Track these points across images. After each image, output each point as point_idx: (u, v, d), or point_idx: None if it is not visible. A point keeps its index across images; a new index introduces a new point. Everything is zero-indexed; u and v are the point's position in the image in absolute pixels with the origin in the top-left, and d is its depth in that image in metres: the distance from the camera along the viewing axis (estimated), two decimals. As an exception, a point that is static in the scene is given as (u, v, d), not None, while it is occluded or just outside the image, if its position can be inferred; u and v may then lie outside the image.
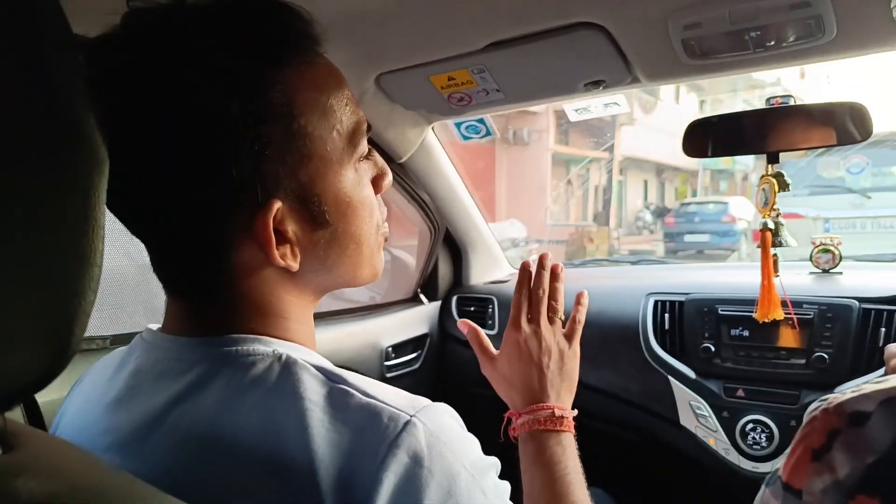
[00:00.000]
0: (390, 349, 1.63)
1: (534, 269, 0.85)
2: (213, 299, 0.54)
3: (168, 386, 0.52)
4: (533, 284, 0.84)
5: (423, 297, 1.85)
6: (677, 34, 0.92)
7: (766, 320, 1.20)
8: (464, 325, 0.89)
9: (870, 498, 0.34)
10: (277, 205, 0.50)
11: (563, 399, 0.79)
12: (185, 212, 0.49)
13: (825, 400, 0.40)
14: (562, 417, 0.76)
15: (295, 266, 0.53)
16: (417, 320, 1.78)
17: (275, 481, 0.45)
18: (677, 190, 18.45)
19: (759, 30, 0.90)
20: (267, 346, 0.52)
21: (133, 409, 0.53)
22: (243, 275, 0.53)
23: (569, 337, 0.83)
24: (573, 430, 0.77)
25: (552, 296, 0.84)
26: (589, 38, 0.97)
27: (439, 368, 1.82)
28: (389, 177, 0.63)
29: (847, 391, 0.39)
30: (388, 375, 1.61)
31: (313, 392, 0.48)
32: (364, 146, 0.58)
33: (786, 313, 1.21)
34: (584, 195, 15.11)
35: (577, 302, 0.87)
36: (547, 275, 0.84)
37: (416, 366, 1.72)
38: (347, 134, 0.55)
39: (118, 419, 0.54)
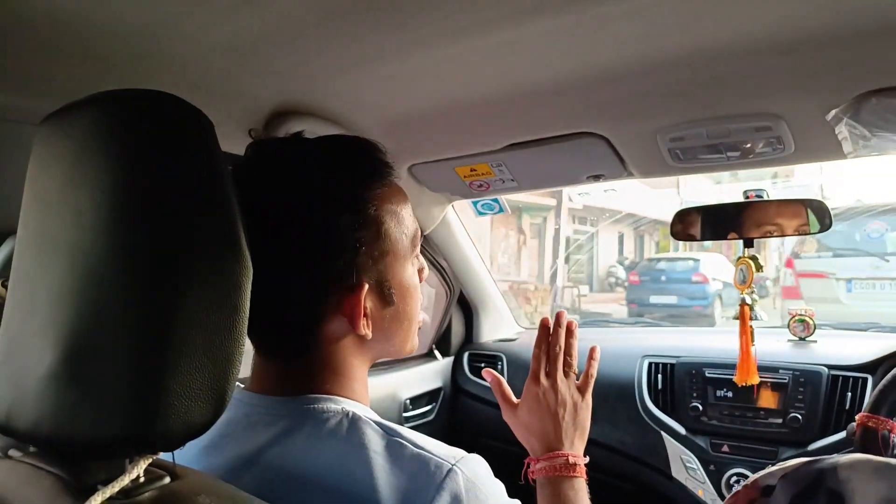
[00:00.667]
0: (408, 401, 1.77)
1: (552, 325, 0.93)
2: (300, 361, 0.68)
3: (260, 433, 0.64)
4: (551, 341, 0.92)
5: (437, 352, 1.99)
6: (664, 144, 1.11)
7: (745, 384, 1.34)
8: (488, 374, 0.98)
9: None
10: (366, 287, 0.66)
11: (576, 447, 0.87)
12: (298, 291, 0.64)
13: (747, 478, 0.57)
14: (575, 465, 0.84)
15: (370, 335, 0.67)
16: (432, 374, 1.91)
17: None
18: (658, 244, 16.88)
19: (731, 144, 1.08)
20: (337, 405, 0.65)
21: (227, 452, 0.65)
22: (329, 341, 0.67)
23: (582, 390, 0.91)
24: (585, 476, 0.85)
25: (567, 351, 0.91)
26: (592, 144, 1.15)
27: (452, 420, 1.95)
28: (427, 271, 0.79)
29: (760, 472, 0.56)
30: (407, 426, 1.74)
31: (375, 444, 0.60)
32: (418, 248, 0.75)
33: (762, 378, 1.36)
34: (541, 247, 14.09)
35: (591, 357, 0.95)
36: (563, 332, 0.92)
37: (431, 417, 1.86)
38: (412, 237, 0.72)
39: (213, 461, 0.65)
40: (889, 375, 1.11)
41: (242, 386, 0.72)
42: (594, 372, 0.94)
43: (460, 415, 1.95)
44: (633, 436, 1.61)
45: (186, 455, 0.67)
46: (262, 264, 0.56)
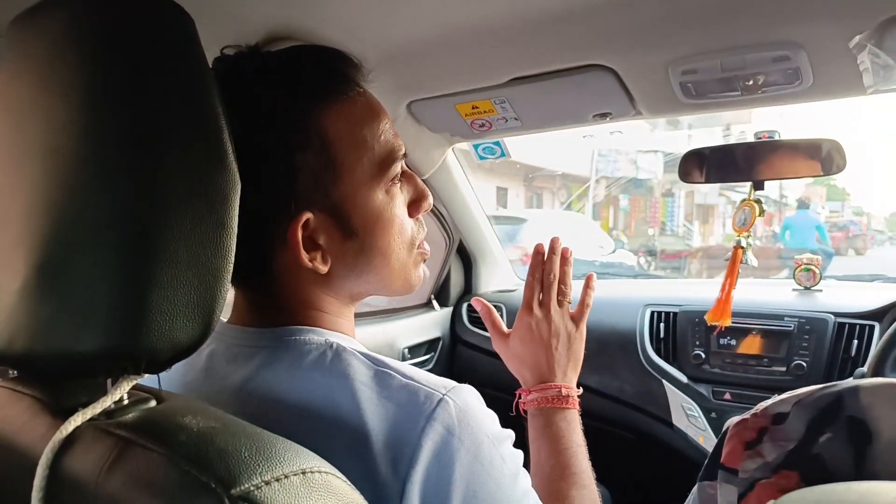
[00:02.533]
0: (406, 350, 1.76)
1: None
2: (264, 291, 0.65)
3: (241, 366, 0.62)
4: (545, 268, 0.89)
5: (435, 303, 1.97)
6: (676, 78, 1.06)
7: (716, 324, 1.30)
8: (477, 302, 0.95)
9: (790, 471, 0.46)
10: (306, 216, 0.60)
11: (569, 378, 0.86)
12: (244, 219, 0.55)
13: (756, 406, 0.54)
14: (567, 396, 0.83)
15: (323, 269, 0.62)
16: (431, 324, 1.90)
17: (338, 441, 0.55)
18: (570, 204, 14.87)
19: (746, 77, 1.03)
20: (320, 336, 0.62)
21: (211, 384, 0.64)
22: (284, 273, 0.64)
23: (577, 319, 0.89)
24: (578, 407, 0.84)
25: (562, 279, 0.89)
26: (599, 78, 1.10)
27: (450, 370, 1.94)
28: (428, 200, 0.72)
29: (769, 400, 0.53)
30: (405, 374, 1.74)
31: (362, 374, 0.58)
32: (394, 170, 0.66)
33: (745, 324, 1.35)
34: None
35: (587, 285, 0.92)
36: (558, 259, 0.89)
37: (430, 367, 1.85)
38: (378, 161, 0.64)
39: (199, 395, 0.63)
40: (893, 328, 1.08)
41: (224, 319, 0.69)
42: (590, 301, 0.91)
43: (459, 364, 1.95)
44: (634, 384, 1.60)
45: (171, 390, 0.65)
46: None
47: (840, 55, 0.94)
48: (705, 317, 1.34)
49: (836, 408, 0.46)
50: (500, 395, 0.88)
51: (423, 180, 1.59)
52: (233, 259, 0.49)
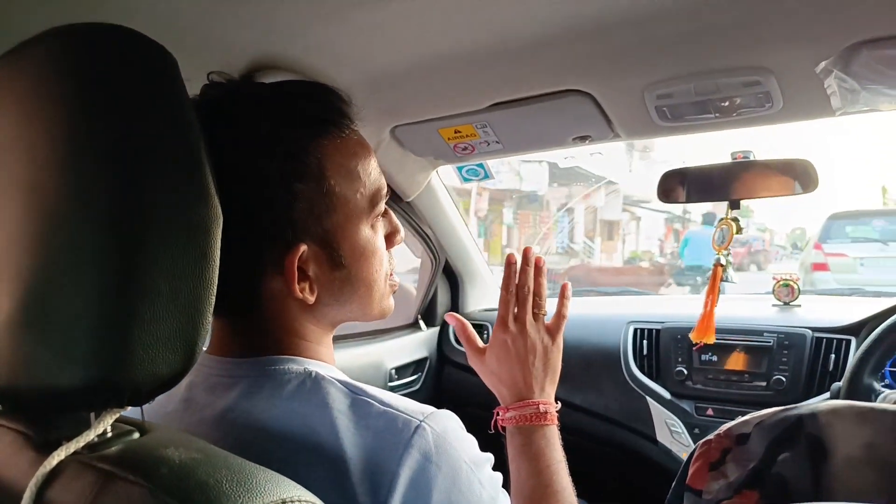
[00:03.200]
0: (393, 371, 1.75)
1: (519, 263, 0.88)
2: (249, 320, 0.65)
3: (221, 397, 0.62)
4: (518, 281, 0.86)
5: (422, 323, 1.98)
6: (652, 102, 1.09)
7: (700, 341, 1.32)
8: (451, 317, 0.93)
9: (751, 491, 0.48)
10: (303, 248, 0.61)
11: (546, 392, 0.84)
12: (235, 244, 0.55)
13: (717, 429, 0.55)
14: (546, 413, 0.81)
15: (311, 300, 0.63)
16: (417, 344, 1.90)
17: (318, 471, 0.55)
18: None
19: (719, 101, 1.06)
20: (299, 366, 0.63)
21: (192, 415, 0.63)
22: (271, 301, 0.64)
23: (553, 331, 0.87)
24: (556, 422, 0.82)
25: (536, 291, 0.86)
26: (578, 103, 1.12)
27: (438, 390, 1.94)
28: (401, 234, 0.74)
29: (733, 421, 0.54)
30: (391, 395, 1.74)
31: (339, 403, 0.58)
32: (381, 207, 0.69)
33: (730, 340, 1.36)
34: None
35: (563, 295, 0.90)
36: (531, 270, 0.87)
37: (417, 387, 1.85)
38: (369, 196, 0.67)
39: (179, 426, 0.62)
40: (868, 341, 1.10)
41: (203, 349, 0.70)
42: (566, 312, 0.89)
43: (446, 384, 1.95)
44: (618, 401, 1.61)
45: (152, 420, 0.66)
46: None
47: (808, 79, 0.97)
48: (690, 335, 1.35)
49: (795, 428, 0.47)
50: (488, 415, 0.89)
51: (408, 202, 1.63)
52: (215, 291, 0.50)
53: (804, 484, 0.44)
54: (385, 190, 0.69)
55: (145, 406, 0.67)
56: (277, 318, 0.65)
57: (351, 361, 1.64)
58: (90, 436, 0.46)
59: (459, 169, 1.57)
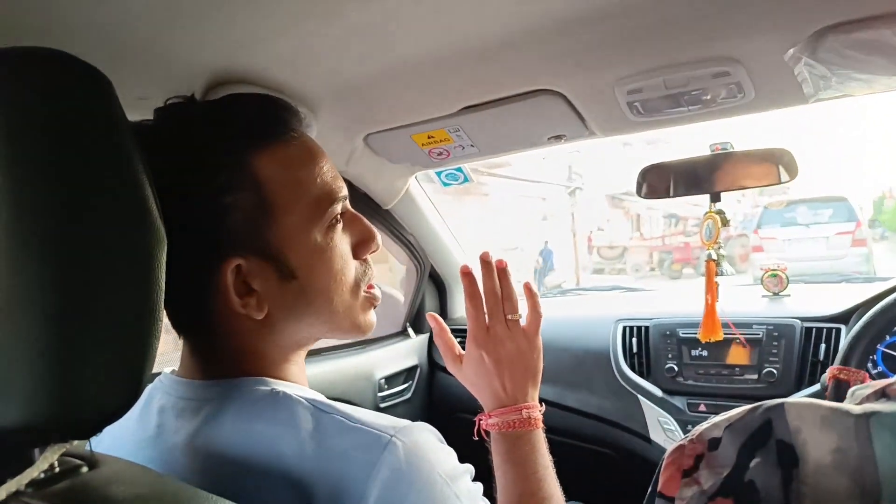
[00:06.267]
0: (383, 381, 1.74)
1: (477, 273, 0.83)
2: (209, 341, 0.64)
3: (188, 421, 0.62)
4: (484, 288, 0.82)
5: (411, 330, 1.96)
6: (623, 98, 1.07)
7: (709, 340, 1.31)
8: (431, 318, 0.89)
9: (725, 499, 0.46)
10: (236, 262, 0.60)
11: (529, 396, 0.81)
12: (176, 263, 0.53)
13: (690, 433, 0.53)
14: (529, 418, 0.78)
15: (258, 315, 0.61)
16: (407, 353, 1.89)
17: (282, 494, 0.54)
18: None
19: (691, 93, 1.05)
20: (266, 387, 0.62)
21: (164, 441, 0.63)
22: (222, 320, 0.62)
23: (530, 332, 0.83)
24: (542, 426, 0.80)
25: (506, 296, 0.82)
26: (549, 102, 1.11)
27: (429, 397, 1.93)
28: (375, 241, 0.71)
29: (704, 423, 0.53)
30: (382, 406, 1.72)
31: (306, 422, 0.57)
32: (333, 212, 0.65)
33: (727, 334, 1.34)
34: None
35: (529, 294, 0.85)
36: (494, 273, 0.82)
37: (408, 395, 1.83)
38: (314, 202, 0.64)
39: (151, 453, 0.63)
40: (857, 327, 1.09)
41: (171, 372, 0.68)
42: (540, 309, 0.84)
43: (437, 391, 1.94)
44: (610, 401, 1.60)
45: (126, 449, 0.65)
46: None
47: (777, 68, 0.95)
48: (698, 335, 1.33)
49: (765, 431, 0.46)
50: None
51: (387, 210, 1.62)
52: (161, 317, 0.48)
53: (775, 489, 0.42)
54: (339, 193, 0.67)
55: (117, 434, 0.67)
56: (233, 338, 0.64)
57: (339, 373, 1.62)
58: (33, 473, 0.44)
59: (438, 174, 1.56)
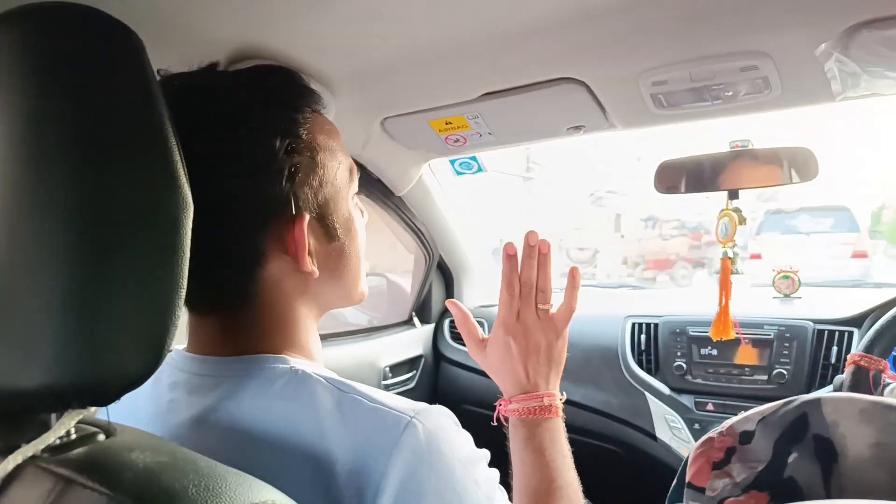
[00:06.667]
0: (387, 369, 1.73)
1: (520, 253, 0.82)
2: (241, 313, 0.63)
3: (204, 397, 0.61)
4: (522, 276, 0.81)
5: (416, 320, 1.95)
6: (647, 90, 1.06)
7: (720, 339, 1.30)
8: (452, 304, 0.88)
9: (760, 492, 0.45)
10: (308, 217, 0.62)
11: (551, 384, 0.81)
12: (236, 227, 0.59)
13: (719, 426, 0.52)
14: (550, 406, 0.78)
15: (317, 272, 0.64)
16: (412, 342, 1.88)
17: (301, 472, 0.53)
18: None
19: (716, 87, 1.03)
20: (286, 364, 0.61)
21: (173, 419, 0.62)
22: (271, 284, 0.63)
23: (559, 325, 0.82)
24: (561, 415, 0.79)
25: (542, 285, 0.81)
26: (571, 91, 1.10)
27: (433, 387, 1.92)
28: (365, 216, 0.76)
29: (734, 418, 0.52)
30: (386, 393, 1.71)
31: (326, 401, 0.56)
32: (356, 184, 0.71)
33: (736, 334, 1.33)
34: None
35: (571, 283, 0.84)
36: (535, 261, 0.81)
37: (412, 385, 1.83)
38: (347, 171, 0.69)
39: (160, 430, 0.61)
40: (887, 316, 1.07)
41: (182, 348, 0.68)
42: (575, 304, 0.83)
43: (442, 382, 1.93)
44: (617, 397, 1.59)
45: (140, 424, 0.63)
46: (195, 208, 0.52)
47: (807, 64, 0.94)
48: (709, 333, 1.32)
49: (801, 425, 0.45)
50: (485, 413, 0.87)
51: (399, 197, 1.61)
52: (185, 286, 0.47)
53: (815, 483, 0.41)
54: (355, 167, 0.72)
55: (129, 410, 0.66)
56: (274, 307, 0.64)
57: (344, 360, 1.61)
58: (50, 439, 0.43)
59: (452, 162, 1.55)
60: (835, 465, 0.41)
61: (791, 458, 0.44)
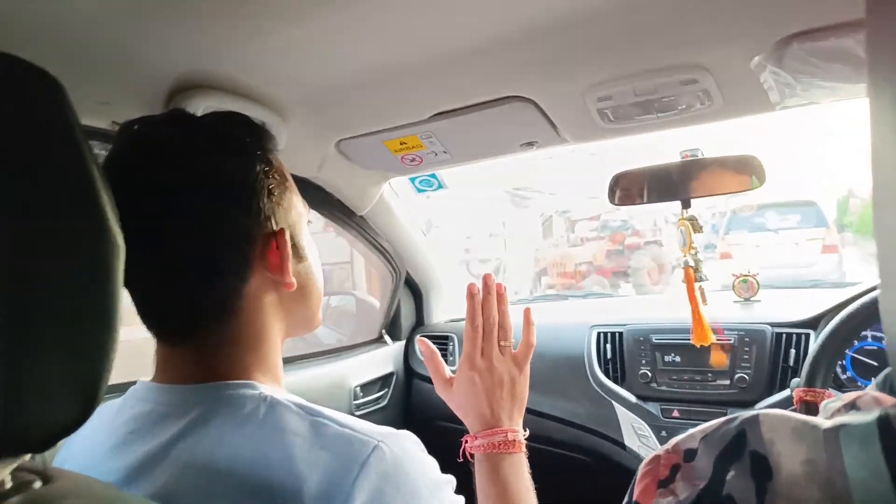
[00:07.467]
0: (358, 388, 1.73)
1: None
2: (221, 328, 0.63)
3: (170, 426, 0.60)
4: (484, 313, 0.85)
5: (387, 337, 1.95)
6: (593, 105, 1.08)
7: (703, 345, 1.31)
8: (422, 343, 0.93)
9: None
10: (287, 232, 0.66)
11: (514, 420, 0.84)
12: (223, 242, 0.61)
13: (666, 443, 0.54)
14: (514, 441, 0.81)
15: (296, 284, 0.66)
16: (383, 360, 1.88)
17: (265, 499, 0.53)
18: None
19: (660, 100, 1.06)
20: (254, 390, 0.61)
21: (135, 450, 0.61)
22: (253, 299, 0.64)
23: (520, 361, 0.86)
24: (524, 450, 0.82)
25: (501, 322, 0.86)
26: (520, 108, 1.11)
27: (406, 404, 1.91)
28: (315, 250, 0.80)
29: (681, 435, 0.53)
30: (357, 413, 1.70)
31: (295, 425, 0.57)
32: (307, 216, 0.75)
33: (717, 339, 1.35)
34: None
35: (527, 322, 0.89)
36: (494, 299, 0.86)
37: (384, 403, 1.82)
38: (301, 200, 0.72)
39: (119, 462, 0.60)
40: (818, 342, 1.10)
41: (147, 379, 0.67)
42: (533, 340, 0.88)
43: (414, 398, 1.93)
44: (585, 407, 1.60)
45: (94, 456, 0.63)
46: (174, 236, 0.59)
47: (744, 76, 0.96)
48: (691, 340, 1.33)
49: (739, 442, 0.46)
50: (459, 428, 0.87)
51: (360, 216, 1.61)
52: (118, 330, 0.47)
53: (750, 501, 0.42)
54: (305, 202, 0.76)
55: (87, 446, 0.66)
56: (253, 324, 0.65)
57: (313, 381, 1.60)
58: None
59: (412, 180, 1.56)
60: (769, 483, 0.42)
61: (729, 476, 0.44)
